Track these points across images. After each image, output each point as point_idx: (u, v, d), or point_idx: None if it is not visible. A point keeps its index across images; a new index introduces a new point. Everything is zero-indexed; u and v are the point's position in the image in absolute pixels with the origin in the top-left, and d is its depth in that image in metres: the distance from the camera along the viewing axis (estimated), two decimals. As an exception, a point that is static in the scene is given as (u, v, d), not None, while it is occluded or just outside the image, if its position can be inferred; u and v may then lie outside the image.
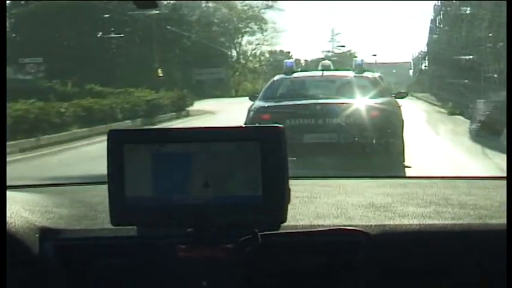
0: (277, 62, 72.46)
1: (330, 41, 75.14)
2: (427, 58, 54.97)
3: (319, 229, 1.66)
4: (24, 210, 1.74)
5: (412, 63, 65.08)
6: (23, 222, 1.66)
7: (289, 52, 75.15)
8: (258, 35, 67.36)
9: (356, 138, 9.85)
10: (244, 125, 1.57)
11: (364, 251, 1.63)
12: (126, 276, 1.64)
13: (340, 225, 1.67)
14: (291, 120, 9.96)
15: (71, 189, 2.32)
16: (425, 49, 58.21)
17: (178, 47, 49.12)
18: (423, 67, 58.11)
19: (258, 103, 10.80)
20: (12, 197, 1.79)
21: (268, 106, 10.46)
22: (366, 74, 11.72)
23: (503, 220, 1.70)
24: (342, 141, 9.85)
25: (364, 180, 2.37)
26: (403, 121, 10.40)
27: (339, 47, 73.77)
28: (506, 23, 16.71)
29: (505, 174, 4.88)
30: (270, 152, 1.51)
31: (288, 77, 11.76)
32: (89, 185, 2.37)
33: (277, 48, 74.82)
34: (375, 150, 9.74)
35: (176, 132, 1.57)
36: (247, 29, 66.02)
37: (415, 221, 1.71)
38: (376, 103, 10.37)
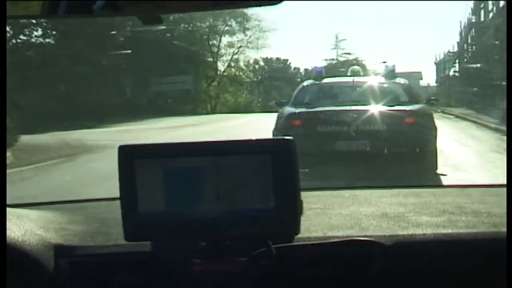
0: (274, 71, 66.67)
1: (334, 48, 68.41)
2: (457, 62, 48.06)
3: (332, 240, 1.66)
4: (38, 227, 1.74)
5: (437, 67, 59.28)
6: (37, 240, 1.67)
7: (287, 60, 68.99)
8: (240, 35, 55.60)
9: (390, 146, 9.57)
10: (254, 138, 1.57)
11: (378, 262, 1.63)
12: None
13: (353, 236, 1.67)
14: (322, 127, 9.80)
15: (84, 206, 2.32)
16: (454, 49, 51.51)
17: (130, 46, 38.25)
18: (452, 72, 50.35)
19: (289, 109, 10.48)
20: (26, 215, 1.80)
21: (299, 112, 10.16)
22: (397, 80, 11.39)
23: None
24: (375, 149, 9.60)
25: (376, 190, 2.36)
26: (436, 128, 10.13)
27: (344, 55, 66.71)
28: (506, 23, 16.46)
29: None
30: (281, 164, 1.51)
31: (317, 82, 11.48)
32: (101, 201, 2.38)
33: (271, 55, 67.28)
34: (409, 158, 9.47)
35: (187, 147, 1.57)
36: (227, 28, 54.40)
37: (429, 231, 1.70)
38: (410, 110, 10.12)
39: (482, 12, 37.73)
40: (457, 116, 28.34)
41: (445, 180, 9.50)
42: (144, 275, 1.65)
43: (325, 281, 1.63)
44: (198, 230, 1.53)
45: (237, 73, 59.02)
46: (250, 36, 55.85)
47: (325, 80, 11.70)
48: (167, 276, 1.62)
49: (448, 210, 1.90)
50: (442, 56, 58.16)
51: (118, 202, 1.56)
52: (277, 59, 68.46)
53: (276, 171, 1.50)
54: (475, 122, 23.92)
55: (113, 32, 37.01)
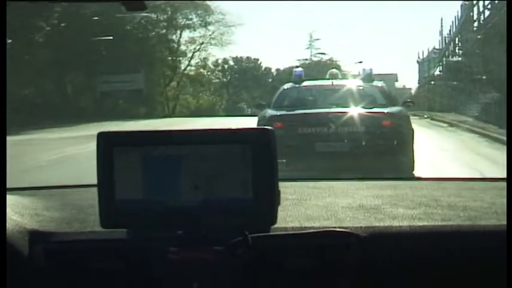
0: (244, 71, 62.36)
1: (308, 48, 63.76)
2: (443, 61, 41.92)
3: (309, 231, 1.67)
4: (14, 213, 1.73)
5: (420, 66, 54.37)
6: (12, 226, 1.66)
7: (257, 59, 64.63)
8: (202, 31, 50.00)
9: (368, 147, 9.88)
10: (234, 128, 1.57)
11: (354, 253, 1.64)
12: (117, 279, 1.64)
13: (330, 227, 1.68)
14: (303, 128, 10.12)
15: (61, 192, 2.31)
16: (441, 46, 45.38)
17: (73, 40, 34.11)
18: (437, 72, 43.63)
19: (270, 111, 10.85)
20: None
21: (280, 115, 10.54)
22: (375, 83, 11.82)
23: (493, 221, 1.71)
24: (354, 150, 9.91)
25: (353, 182, 2.37)
26: (413, 130, 10.47)
27: (319, 55, 62.57)
28: (506, 23, 16.40)
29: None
30: (260, 154, 1.51)
31: (297, 85, 11.80)
32: (79, 187, 2.37)
33: (241, 53, 63.04)
34: (387, 159, 9.77)
35: (166, 135, 1.57)
36: (187, 22, 48.66)
37: (405, 223, 1.71)
38: (387, 112, 10.50)
39: (475, 9, 35.95)
40: (451, 124, 23.65)
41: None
42: (120, 263, 1.65)
43: (301, 271, 1.64)
44: (175, 218, 1.53)
45: (202, 72, 53.90)
46: (213, 32, 50.80)
47: (305, 83, 12.01)
48: (143, 264, 1.62)
49: (424, 202, 1.91)
50: (426, 54, 53.56)
51: (95, 189, 1.56)
52: (248, 58, 64.76)
53: (255, 161, 1.51)
54: (481, 134, 18.99)
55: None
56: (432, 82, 43.91)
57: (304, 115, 10.45)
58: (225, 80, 63.16)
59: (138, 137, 1.57)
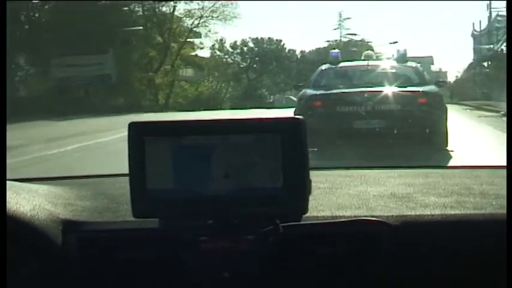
0: (265, 52, 55.24)
1: (337, 28, 59.23)
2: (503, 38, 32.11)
3: (340, 220, 1.66)
4: (47, 202, 1.75)
5: (475, 40, 42.85)
6: (46, 215, 1.68)
7: (280, 40, 57.90)
8: (201, 2, 41.48)
9: (404, 125, 10.30)
10: (264, 117, 1.57)
11: (385, 242, 1.63)
12: (148, 269, 1.65)
13: (361, 216, 1.67)
14: (341, 107, 10.59)
15: (93, 182, 2.33)
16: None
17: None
18: (503, 46, 32.63)
19: (309, 91, 11.32)
20: (35, 190, 1.81)
21: (319, 94, 11.00)
22: (409, 63, 12.23)
23: None
24: (390, 128, 10.32)
25: (385, 171, 2.36)
26: (446, 107, 10.93)
27: (349, 35, 58.63)
28: (506, 22, 16.03)
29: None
30: (290, 143, 1.51)
31: (334, 66, 12.24)
32: (110, 177, 2.38)
33: (261, 34, 55.68)
34: (421, 136, 10.24)
35: (196, 125, 1.58)
36: None
37: (437, 211, 1.70)
38: (422, 90, 10.91)
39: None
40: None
41: (454, 157, 10.04)
42: (152, 252, 1.66)
43: (332, 260, 1.64)
44: (206, 207, 1.54)
45: (193, 52, 42.74)
46: (214, 4, 41.76)
47: (342, 64, 12.47)
48: (174, 253, 1.63)
49: (456, 191, 1.89)
50: (484, 25, 40.16)
51: (127, 179, 1.57)
52: (269, 39, 58.12)
53: (286, 151, 1.51)
54: None
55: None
56: (485, 63, 32.61)
57: (342, 94, 10.88)
58: (244, 64, 56.54)
59: (168, 126, 1.58)
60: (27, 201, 1.68)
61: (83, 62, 28.22)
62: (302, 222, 1.63)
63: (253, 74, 57.82)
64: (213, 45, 49.98)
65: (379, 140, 10.24)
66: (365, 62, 12.56)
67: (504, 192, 1.86)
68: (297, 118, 1.53)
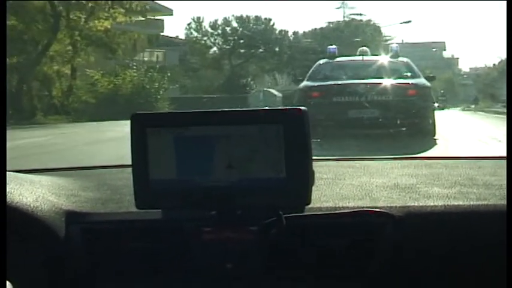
0: (252, 34, 46.13)
1: (340, 7, 55.98)
2: None
3: (343, 211, 1.66)
4: (50, 193, 1.75)
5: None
6: (49, 206, 1.68)
7: (269, 20, 49.89)
8: None
9: (395, 114, 11.30)
10: (267, 108, 1.57)
11: (389, 233, 1.63)
12: (151, 259, 1.65)
13: (364, 207, 1.67)
14: (337, 97, 11.58)
15: (96, 173, 2.33)
16: None
17: None
18: None
19: (307, 83, 12.32)
20: (38, 181, 1.81)
21: (317, 85, 12.04)
22: (400, 58, 13.31)
23: None
24: (383, 116, 11.36)
25: (388, 161, 2.36)
26: (433, 99, 12.70)
27: (354, 15, 52.10)
28: (506, 23, 16.01)
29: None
30: (293, 134, 1.51)
31: (331, 60, 13.39)
32: (113, 168, 2.39)
33: (247, 12, 47.58)
34: (411, 124, 11.26)
35: (199, 115, 1.58)
36: None
37: (440, 202, 1.70)
38: (411, 83, 12.06)
39: None
40: None
41: (439, 143, 11.22)
42: (155, 243, 1.66)
43: (336, 251, 1.64)
44: (209, 198, 1.54)
45: (105, 30, 29.67)
46: None
47: (338, 59, 13.65)
48: (177, 244, 1.64)
49: (459, 182, 1.89)
50: None
51: (130, 169, 1.57)
52: (257, 18, 49.50)
53: (288, 141, 1.50)
54: None
55: None
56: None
57: (338, 86, 11.87)
58: (226, 47, 46.82)
59: (170, 117, 1.58)
60: (30, 192, 1.68)
61: None
62: (305, 213, 1.63)
63: (237, 60, 49.29)
64: (189, 25, 42.07)
65: (372, 127, 11.31)
66: (360, 57, 13.85)
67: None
68: (300, 109, 1.53)
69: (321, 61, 13.63)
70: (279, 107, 1.57)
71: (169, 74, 35.47)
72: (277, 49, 48.85)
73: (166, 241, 1.65)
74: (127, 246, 1.67)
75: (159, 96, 32.92)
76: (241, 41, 48.37)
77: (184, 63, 43.88)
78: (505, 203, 1.69)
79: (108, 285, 1.68)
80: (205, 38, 44.98)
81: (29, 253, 1.61)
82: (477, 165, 2.16)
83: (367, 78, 12.14)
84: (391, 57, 13.42)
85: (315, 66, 13.42)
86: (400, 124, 11.45)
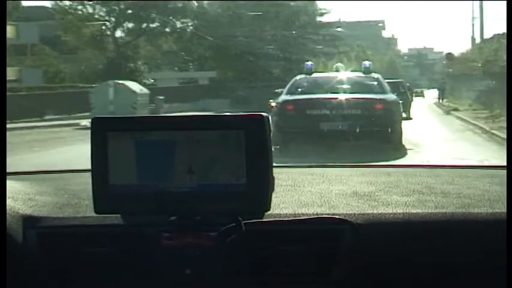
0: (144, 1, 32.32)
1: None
2: None
3: (302, 218, 1.66)
4: (7, 197, 1.73)
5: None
6: (6, 210, 1.65)
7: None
8: None
9: (364, 126, 12.01)
10: (228, 114, 1.57)
11: (347, 240, 1.64)
12: (109, 264, 1.64)
13: (323, 214, 1.68)
14: (310, 110, 12.39)
15: (54, 177, 2.30)
16: None
17: None
18: None
19: (284, 97, 13.15)
20: None
21: (292, 99, 12.88)
22: (372, 74, 14.12)
23: (486, 209, 1.71)
24: (352, 129, 12.02)
25: (347, 169, 2.37)
26: (401, 113, 13.12)
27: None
28: (506, 22, 16.09)
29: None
30: (254, 140, 1.51)
31: (308, 76, 14.16)
32: (72, 172, 2.36)
33: None
34: (378, 136, 12.08)
35: (160, 120, 1.57)
36: None
37: (399, 210, 1.71)
38: (380, 98, 12.80)
39: None
40: None
41: (410, 155, 12.06)
42: (113, 248, 1.65)
43: (295, 257, 1.64)
44: (169, 203, 1.53)
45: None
46: None
47: (314, 75, 14.53)
48: (136, 249, 1.62)
49: (417, 190, 1.91)
50: None
51: (88, 174, 1.56)
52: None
53: (249, 147, 1.50)
54: None
55: None
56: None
57: (311, 99, 12.71)
58: (110, 19, 35.55)
59: (131, 122, 1.57)
60: None
61: None
62: (264, 220, 1.63)
63: (124, 37, 38.98)
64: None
65: (341, 137, 12.02)
66: (335, 74, 14.74)
67: (466, 191, 1.88)
68: (261, 115, 1.53)
69: (298, 77, 14.49)
70: (240, 113, 1.56)
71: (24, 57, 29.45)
72: (178, 23, 37.65)
73: (125, 246, 1.64)
74: (84, 251, 1.65)
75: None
76: (129, 12, 36.62)
77: (48, 40, 34.25)
78: (464, 211, 1.71)
79: None
80: (80, 8, 34.23)
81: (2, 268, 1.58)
82: (435, 174, 2.18)
83: (340, 93, 13.06)
84: (364, 73, 14.24)
85: (292, 80, 14.27)
86: (366, 135, 12.21)
